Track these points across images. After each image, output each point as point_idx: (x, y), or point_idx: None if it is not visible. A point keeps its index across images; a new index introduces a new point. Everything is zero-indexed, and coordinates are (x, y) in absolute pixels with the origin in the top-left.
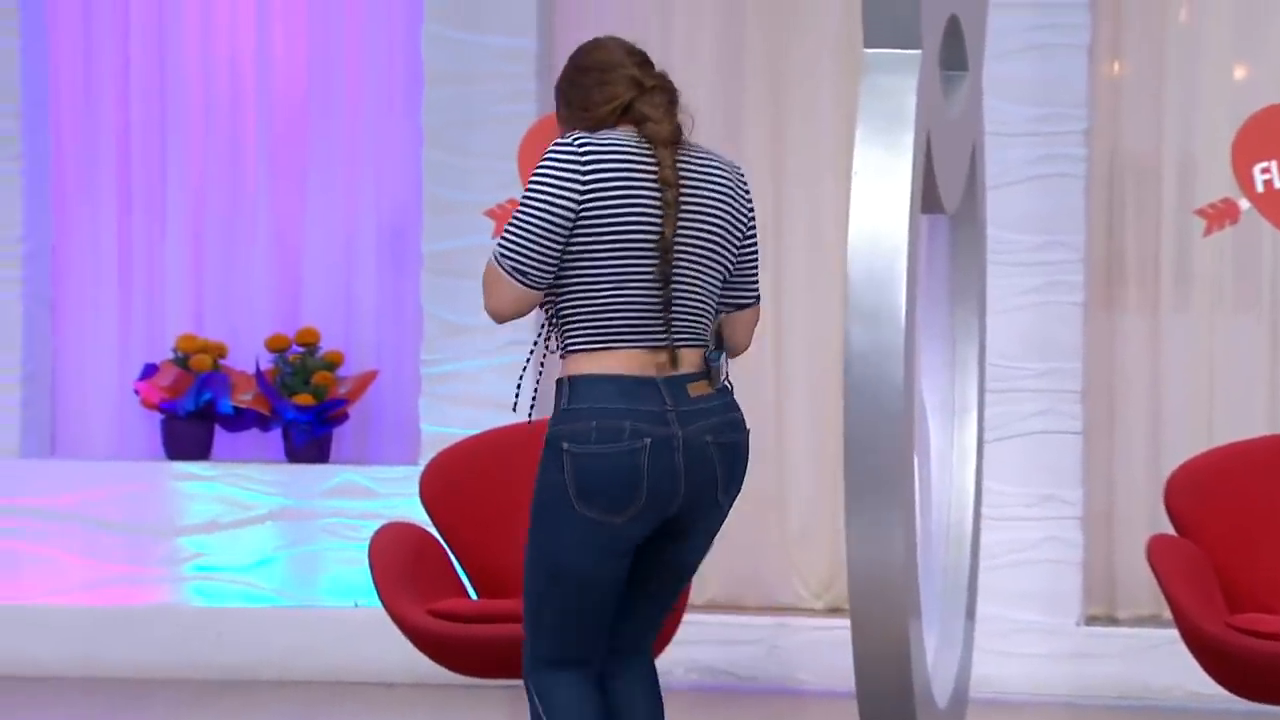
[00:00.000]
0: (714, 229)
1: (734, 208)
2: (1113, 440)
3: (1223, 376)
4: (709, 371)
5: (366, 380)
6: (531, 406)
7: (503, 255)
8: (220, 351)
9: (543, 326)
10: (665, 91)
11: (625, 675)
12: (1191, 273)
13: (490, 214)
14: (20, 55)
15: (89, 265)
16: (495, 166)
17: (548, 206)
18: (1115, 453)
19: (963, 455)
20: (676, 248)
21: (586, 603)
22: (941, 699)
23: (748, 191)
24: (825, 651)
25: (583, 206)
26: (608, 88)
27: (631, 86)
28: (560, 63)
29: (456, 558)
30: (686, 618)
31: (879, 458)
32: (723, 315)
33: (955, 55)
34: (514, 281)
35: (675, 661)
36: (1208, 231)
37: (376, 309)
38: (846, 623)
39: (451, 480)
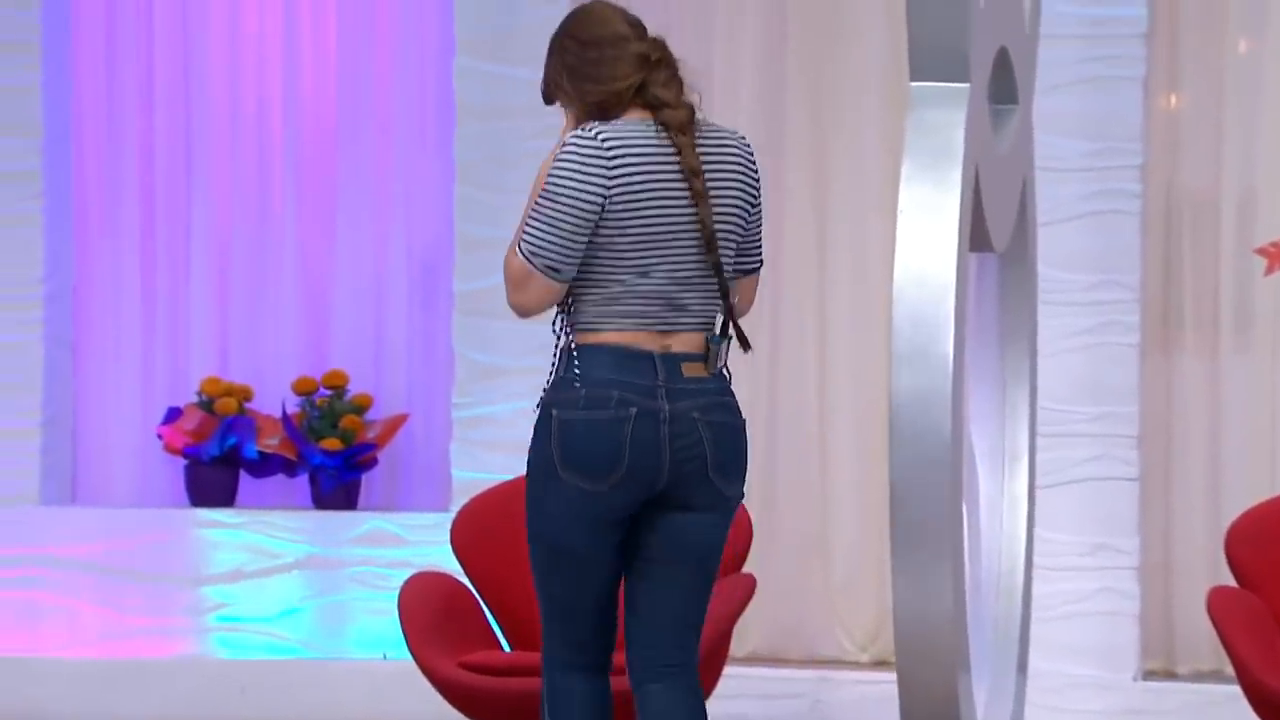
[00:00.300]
0: (732, 209)
1: (745, 181)
2: (1170, 487)
3: None
4: (707, 354)
5: (396, 424)
6: None
7: (533, 253)
8: (246, 395)
9: (557, 312)
10: (670, 66)
11: (665, 683)
12: (1252, 313)
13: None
14: (42, 89)
15: (111, 306)
16: None
17: (575, 201)
18: (1173, 500)
19: (1013, 503)
20: (697, 238)
21: (585, 579)
22: None
23: (754, 160)
24: (871, 707)
25: (610, 199)
26: (618, 65)
27: (640, 66)
28: None
29: (489, 608)
30: (726, 670)
31: (926, 507)
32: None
33: (1005, 88)
34: (545, 277)
35: (714, 717)
36: (1269, 270)
37: (406, 350)
38: (893, 677)
39: (484, 528)
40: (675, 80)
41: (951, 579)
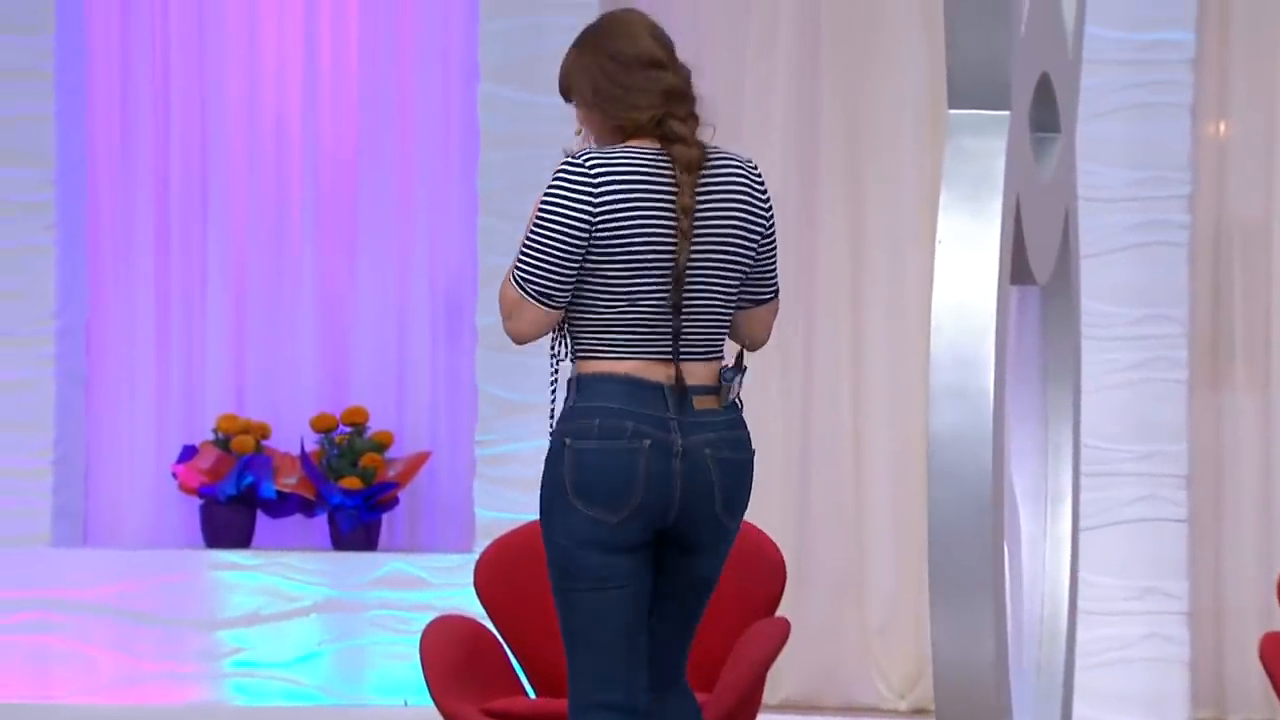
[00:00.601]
0: (730, 242)
1: (748, 211)
2: (1220, 528)
3: None
4: (719, 388)
5: (418, 462)
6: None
7: (524, 280)
8: (263, 432)
9: (553, 336)
10: (691, 100)
11: (667, 699)
12: None
13: None
14: (55, 120)
15: (125, 340)
16: None
17: (562, 229)
18: (1223, 542)
19: (1057, 545)
20: (690, 273)
21: (603, 606)
22: None
23: (763, 190)
24: None
25: (595, 227)
26: (646, 95)
27: (666, 99)
28: None
29: (513, 652)
30: (759, 719)
31: (966, 549)
32: (740, 312)
33: (1047, 116)
34: (537, 304)
35: None
36: None
37: (429, 386)
38: None
39: (508, 570)
40: (693, 117)
41: (993, 623)
